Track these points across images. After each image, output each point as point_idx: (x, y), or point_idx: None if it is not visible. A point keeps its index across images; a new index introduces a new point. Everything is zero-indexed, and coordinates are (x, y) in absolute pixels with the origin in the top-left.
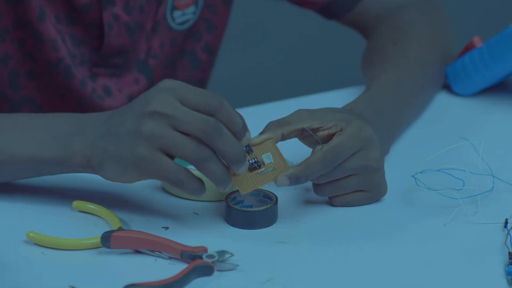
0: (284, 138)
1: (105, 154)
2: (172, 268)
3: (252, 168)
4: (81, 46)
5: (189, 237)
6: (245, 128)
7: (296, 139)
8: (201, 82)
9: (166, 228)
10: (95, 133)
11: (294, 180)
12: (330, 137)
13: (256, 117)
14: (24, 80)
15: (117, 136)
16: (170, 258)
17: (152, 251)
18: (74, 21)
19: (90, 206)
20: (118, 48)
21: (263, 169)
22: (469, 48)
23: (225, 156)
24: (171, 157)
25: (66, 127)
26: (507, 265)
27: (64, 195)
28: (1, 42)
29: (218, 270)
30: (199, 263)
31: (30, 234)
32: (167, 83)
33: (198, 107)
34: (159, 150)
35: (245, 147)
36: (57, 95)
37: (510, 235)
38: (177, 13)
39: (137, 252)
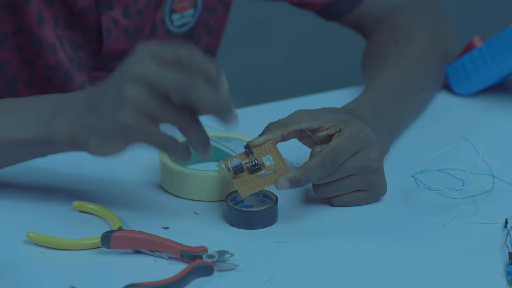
0: (284, 139)
1: (89, 130)
2: (172, 268)
3: (252, 170)
4: (79, 50)
5: (189, 237)
6: (219, 73)
7: (296, 139)
8: None
9: (166, 228)
10: (78, 110)
11: (295, 183)
12: (329, 137)
13: (256, 117)
14: (23, 88)
15: (99, 109)
16: (170, 258)
17: (152, 251)
18: (72, 26)
19: (90, 206)
20: (117, 52)
21: (264, 171)
22: (469, 48)
23: (206, 108)
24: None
25: (48, 107)
26: (507, 265)
27: (64, 195)
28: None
29: (218, 270)
30: (199, 263)
31: (30, 234)
32: (140, 48)
33: (169, 63)
34: (141, 115)
35: (245, 148)
36: None
37: (510, 235)
38: (175, 16)
39: (137, 252)
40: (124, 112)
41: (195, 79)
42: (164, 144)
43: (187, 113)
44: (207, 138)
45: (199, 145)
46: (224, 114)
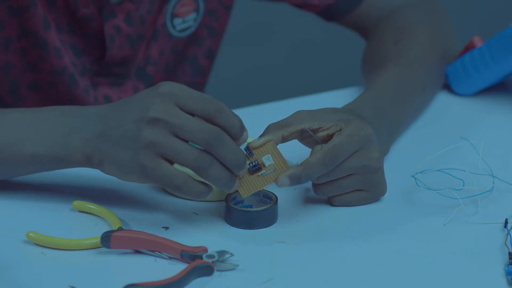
0: (284, 139)
1: (105, 155)
2: (172, 268)
3: (252, 171)
4: (82, 55)
5: (189, 237)
6: (242, 129)
7: (296, 140)
8: (200, 86)
9: (166, 228)
10: (93, 130)
11: (295, 180)
12: (329, 137)
13: (256, 117)
14: (25, 91)
15: (115, 139)
16: (170, 258)
17: (152, 251)
18: (74, 31)
19: (90, 206)
20: (119, 59)
21: (264, 171)
22: (469, 48)
23: (227, 162)
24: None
25: (64, 123)
26: (507, 265)
27: (64, 195)
28: (3, 51)
29: (218, 270)
30: (199, 263)
31: (30, 234)
32: (166, 87)
33: (197, 112)
34: (159, 157)
35: (246, 150)
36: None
37: (510, 235)
38: (177, 21)
39: (137, 252)
40: (142, 154)
41: (224, 134)
42: (179, 186)
43: (210, 160)
44: (231, 177)
45: (222, 186)
46: (238, 172)
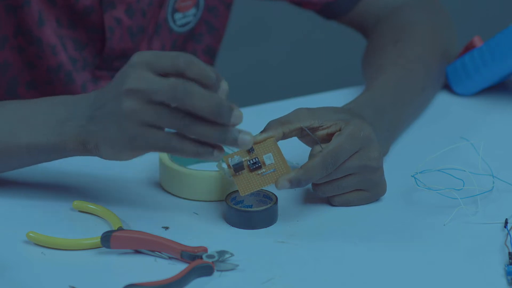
0: (285, 137)
1: (97, 137)
2: (172, 268)
3: (252, 168)
4: (83, 49)
5: (189, 237)
6: (219, 79)
7: (296, 138)
8: None
9: (166, 228)
10: (84, 116)
11: (295, 183)
12: (329, 136)
13: (256, 117)
14: (23, 90)
15: (102, 119)
16: (170, 258)
17: (152, 251)
18: (75, 25)
19: (90, 206)
20: (120, 52)
21: (264, 170)
22: (469, 48)
23: (204, 112)
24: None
25: (57, 112)
26: (507, 265)
27: (64, 195)
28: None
29: (218, 270)
30: (199, 263)
31: (30, 234)
32: (137, 56)
33: (168, 71)
34: (144, 126)
35: None
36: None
37: (510, 235)
38: (178, 15)
39: (137, 252)
40: (126, 125)
41: (190, 85)
42: (174, 148)
43: (188, 117)
44: (218, 134)
45: (212, 140)
46: (225, 117)
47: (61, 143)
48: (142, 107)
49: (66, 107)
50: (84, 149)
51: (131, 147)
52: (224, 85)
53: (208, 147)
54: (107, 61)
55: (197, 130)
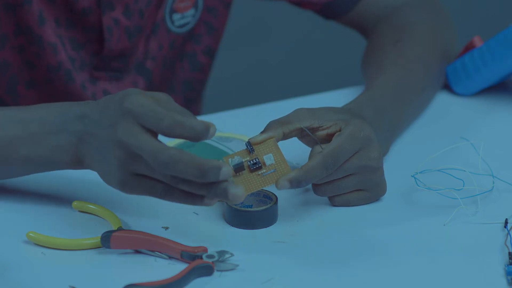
0: (285, 137)
1: (94, 167)
2: (172, 268)
3: (253, 169)
4: (81, 50)
5: (189, 237)
6: (205, 128)
7: (296, 138)
8: (200, 83)
9: (166, 228)
10: (74, 131)
11: (295, 184)
12: (329, 136)
13: (256, 117)
14: (23, 89)
15: (96, 150)
16: (170, 258)
17: (152, 251)
18: (74, 25)
19: (90, 206)
20: (118, 52)
21: (264, 170)
22: (469, 48)
23: (190, 177)
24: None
25: (55, 122)
26: (507, 265)
27: (64, 195)
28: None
29: (218, 270)
30: (199, 263)
31: (30, 234)
32: (129, 102)
33: (155, 130)
34: (133, 173)
35: (247, 146)
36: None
37: (510, 235)
38: (176, 16)
39: (137, 252)
40: (115, 172)
41: (175, 152)
42: (162, 197)
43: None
44: (206, 191)
45: (201, 193)
46: (212, 178)
47: (60, 158)
48: (131, 160)
49: (63, 116)
50: (82, 165)
51: (122, 189)
52: (212, 130)
53: (198, 197)
54: (105, 61)
55: (184, 187)
